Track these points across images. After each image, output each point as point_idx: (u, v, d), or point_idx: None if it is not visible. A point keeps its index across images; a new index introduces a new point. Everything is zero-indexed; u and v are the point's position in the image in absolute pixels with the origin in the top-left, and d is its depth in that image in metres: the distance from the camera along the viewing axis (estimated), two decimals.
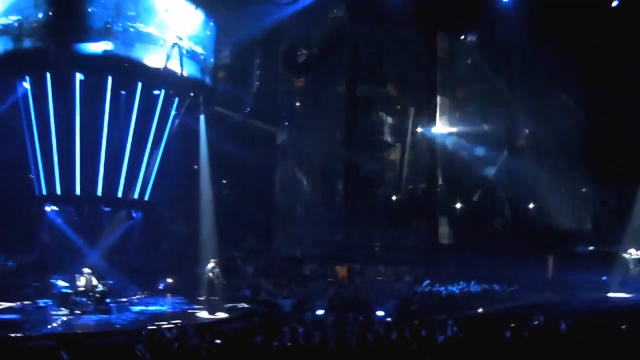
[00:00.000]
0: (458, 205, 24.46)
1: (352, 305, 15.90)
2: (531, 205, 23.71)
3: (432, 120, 24.32)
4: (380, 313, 15.13)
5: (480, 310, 16.22)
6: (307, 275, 21.53)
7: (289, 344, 8.31)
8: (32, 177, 17.24)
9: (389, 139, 25.38)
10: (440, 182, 24.07)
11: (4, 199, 18.56)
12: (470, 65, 24.80)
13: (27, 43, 16.05)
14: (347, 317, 12.26)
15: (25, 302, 15.95)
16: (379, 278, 21.24)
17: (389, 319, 14.15)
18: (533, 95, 23.23)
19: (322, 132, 25.20)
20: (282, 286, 20.05)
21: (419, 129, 24.75)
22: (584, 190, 23.81)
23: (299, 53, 25.38)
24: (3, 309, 15.28)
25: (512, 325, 9.46)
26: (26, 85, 16.86)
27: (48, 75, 16.36)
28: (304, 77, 25.63)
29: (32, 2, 15.98)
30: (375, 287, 19.95)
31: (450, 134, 24.55)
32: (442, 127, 24.50)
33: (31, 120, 16.69)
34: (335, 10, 24.29)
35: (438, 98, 24.38)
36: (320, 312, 15.57)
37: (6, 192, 18.57)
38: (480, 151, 23.93)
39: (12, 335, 11.95)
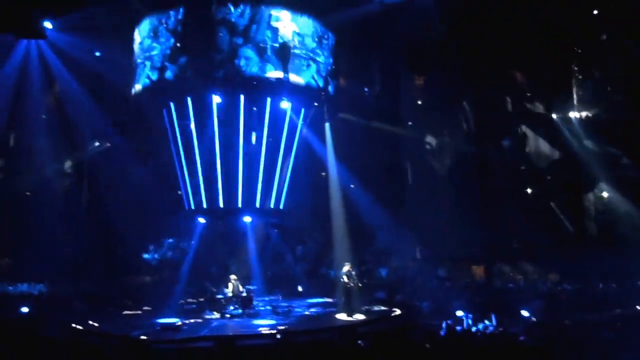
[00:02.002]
0: (605, 194, 22.49)
1: (493, 305, 15.35)
2: None
3: (567, 105, 22.68)
4: (525, 313, 14.48)
5: (638, 307, 14.85)
6: (442, 276, 21.14)
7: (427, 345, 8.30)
8: (181, 193, 18.84)
9: (521, 128, 24.08)
10: (581, 172, 22.33)
11: (160, 214, 20.66)
12: (605, 41, 22.61)
13: (169, 72, 17.56)
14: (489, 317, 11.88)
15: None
16: (520, 277, 20.22)
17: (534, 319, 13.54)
18: None
19: (448, 129, 24.66)
20: (417, 287, 19.94)
21: (554, 115, 23.21)
22: None
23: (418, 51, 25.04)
24: (164, 313, 16.97)
25: None
26: (171, 110, 18.51)
27: (189, 99, 17.86)
28: (424, 75, 25.25)
29: (169, 34, 17.48)
30: (516, 287, 19.10)
31: (588, 118, 22.67)
32: (578, 112, 22.73)
33: (177, 142, 18.32)
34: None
35: (573, 80, 22.66)
36: (459, 313, 15.25)
37: (160, 208, 20.65)
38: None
39: (174, 337, 13.25)
